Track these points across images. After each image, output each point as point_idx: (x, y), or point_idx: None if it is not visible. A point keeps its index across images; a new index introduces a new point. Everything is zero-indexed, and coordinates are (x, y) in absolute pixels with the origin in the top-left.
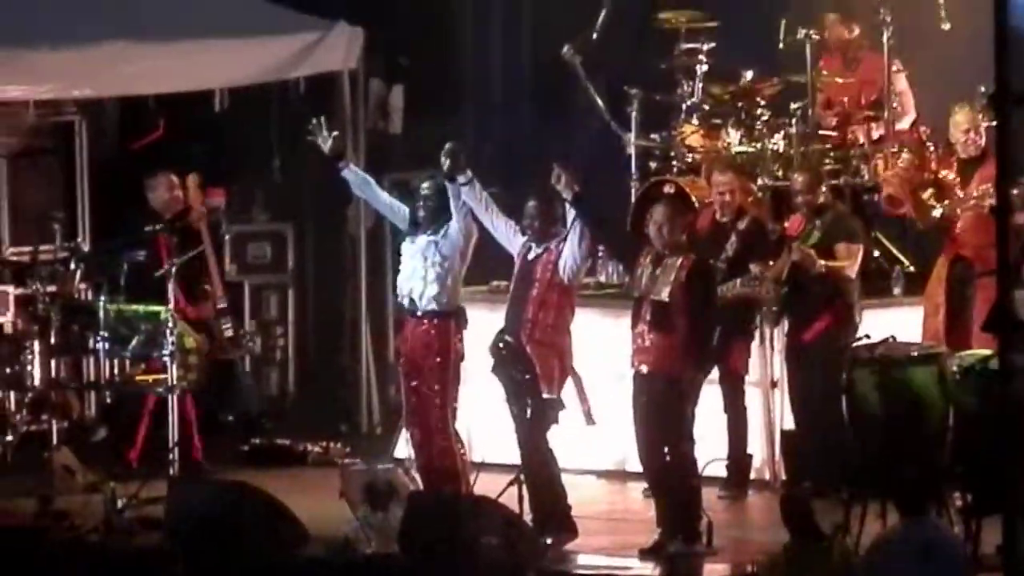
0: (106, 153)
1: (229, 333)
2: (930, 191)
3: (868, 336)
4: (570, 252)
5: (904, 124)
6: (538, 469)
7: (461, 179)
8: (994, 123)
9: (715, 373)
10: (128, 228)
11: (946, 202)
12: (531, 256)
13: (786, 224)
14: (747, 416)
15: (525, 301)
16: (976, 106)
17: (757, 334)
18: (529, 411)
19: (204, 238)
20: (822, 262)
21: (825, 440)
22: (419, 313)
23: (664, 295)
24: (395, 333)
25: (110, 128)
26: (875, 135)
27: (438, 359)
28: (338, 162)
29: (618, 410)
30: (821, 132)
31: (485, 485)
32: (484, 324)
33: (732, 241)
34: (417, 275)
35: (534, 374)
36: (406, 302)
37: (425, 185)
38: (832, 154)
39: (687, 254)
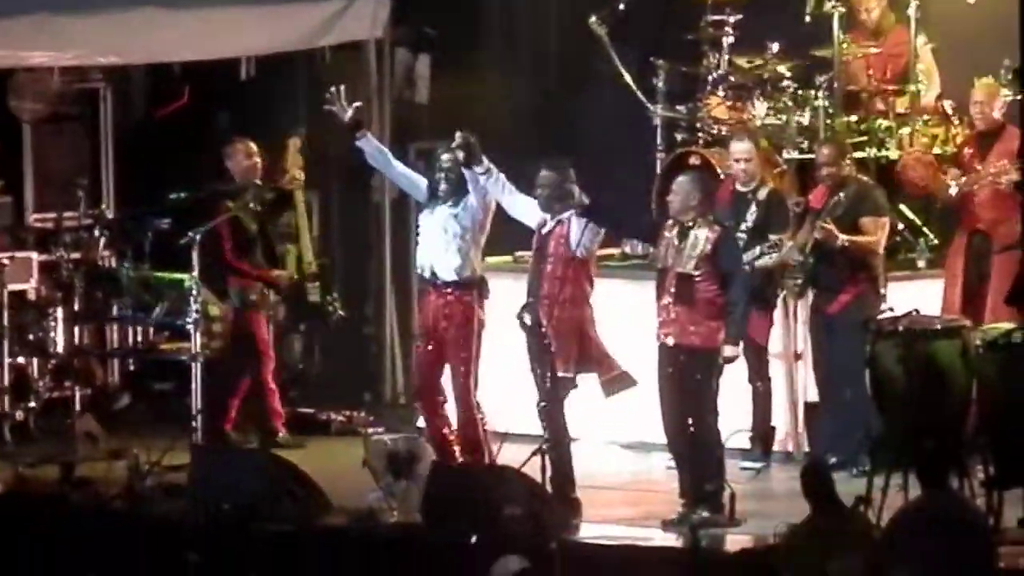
0: (131, 120)
1: (315, 298)
2: (952, 171)
3: (892, 309)
4: (580, 231)
5: (929, 97)
6: (555, 442)
7: (479, 169)
8: (1018, 97)
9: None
10: (153, 195)
11: (962, 179)
12: (545, 230)
13: (810, 196)
14: (771, 388)
15: (541, 276)
16: (1002, 79)
17: (780, 306)
18: (548, 384)
19: (298, 202)
20: (844, 237)
21: (848, 412)
22: (440, 284)
23: (690, 267)
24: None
25: (135, 95)
26: (900, 108)
27: (461, 329)
28: (356, 132)
29: (642, 381)
30: (846, 105)
31: (509, 455)
32: (508, 294)
33: (752, 211)
34: (437, 247)
35: (550, 351)
36: (427, 274)
37: (444, 157)
38: (858, 127)
39: (712, 226)
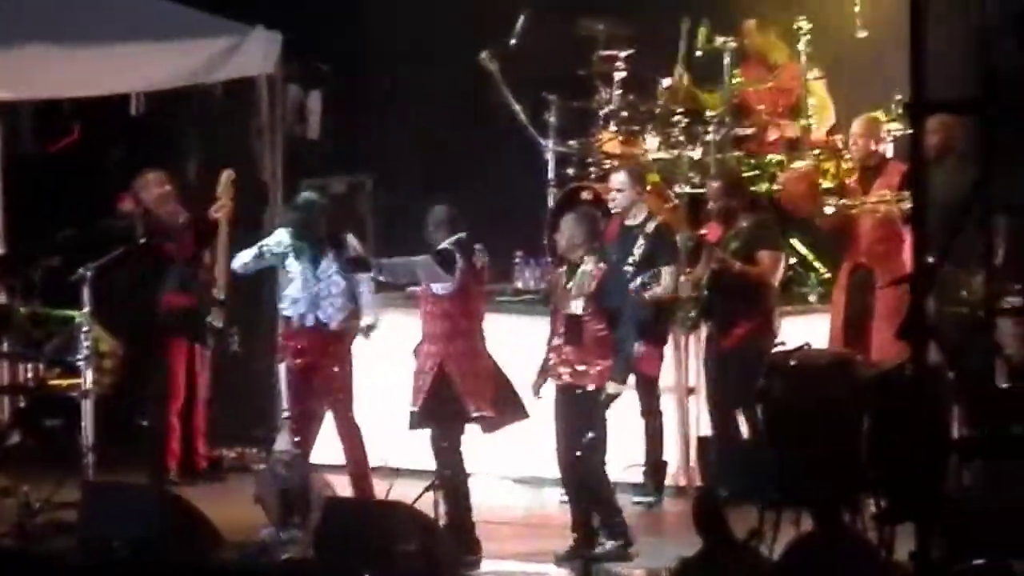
0: (21, 156)
1: (219, 325)
2: (834, 198)
3: (784, 343)
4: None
5: (821, 131)
6: (449, 479)
7: (373, 273)
8: (909, 131)
9: (631, 379)
10: (43, 231)
11: (842, 201)
12: None
13: (703, 231)
14: (663, 422)
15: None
16: (892, 114)
17: (672, 340)
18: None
19: (222, 231)
20: (740, 265)
21: (741, 446)
22: (320, 328)
23: (577, 308)
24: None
25: (25, 131)
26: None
27: (344, 368)
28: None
29: (535, 415)
30: (737, 139)
31: (402, 491)
32: (399, 328)
33: (639, 244)
34: (322, 298)
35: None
36: (309, 320)
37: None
38: (749, 161)
39: (598, 262)
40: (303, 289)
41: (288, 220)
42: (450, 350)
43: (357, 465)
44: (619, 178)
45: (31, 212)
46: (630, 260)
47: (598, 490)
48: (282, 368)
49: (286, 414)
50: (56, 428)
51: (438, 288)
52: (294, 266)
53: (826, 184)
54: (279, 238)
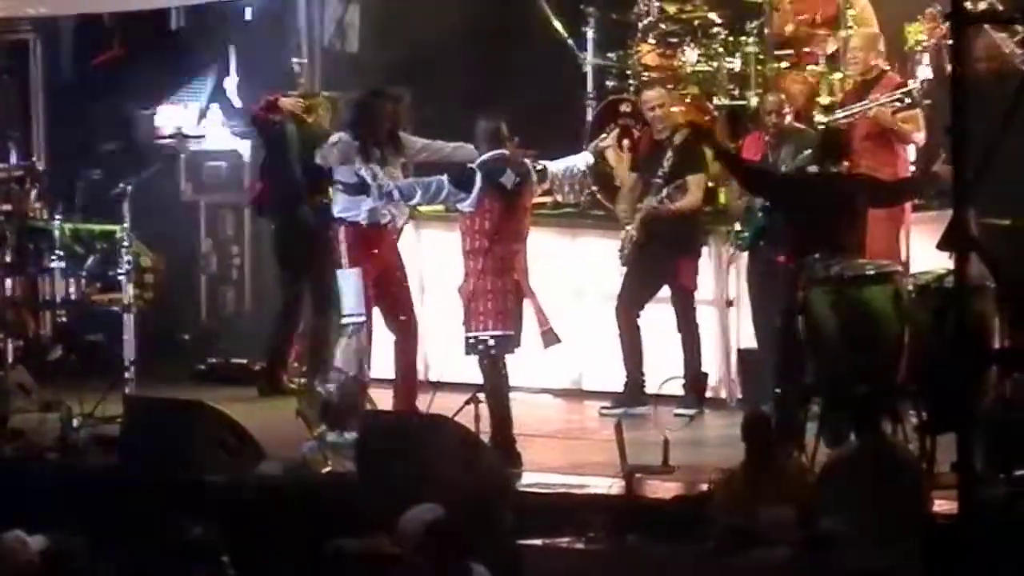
0: (61, 72)
1: None
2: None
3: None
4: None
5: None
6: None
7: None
8: (949, 42)
9: (666, 291)
10: (84, 147)
11: (836, 114)
12: None
13: (741, 143)
14: (700, 334)
15: None
16: (923, 23)
17: (713, 253)
18: None
19: None
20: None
21: (783, 358)
22: (392, 229)
23: None
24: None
25: (66, 47)
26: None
27: (403, 265)
28: None
29: (574, 329)
30: (777, 52)
31: (442, 404)
32: (442, 243)
33: (668, 156)
34: (389, 198)
35: None
36: (382, 220)
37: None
38: (788, 73)
39: None
40: (369, 190)
41: (347, 122)
42: (485, 267)
43: (410, 370)
44: (652, 94)
45: (71, 127)
46: (659, 172)
47: None
48: (345, 275)
49: (350, 320)
50: (98, 343)
51: (463, 206)
52: (357, 167)
53: (825, 98)
54: (338, 138)
